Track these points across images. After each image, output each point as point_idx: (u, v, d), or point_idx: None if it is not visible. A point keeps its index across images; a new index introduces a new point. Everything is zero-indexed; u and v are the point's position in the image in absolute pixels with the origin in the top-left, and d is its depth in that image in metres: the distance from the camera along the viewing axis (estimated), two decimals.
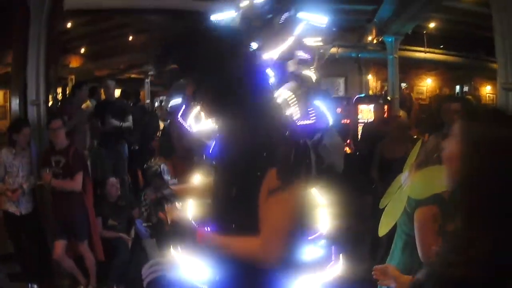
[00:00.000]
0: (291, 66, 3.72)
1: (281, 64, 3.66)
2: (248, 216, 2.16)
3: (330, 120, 3.91)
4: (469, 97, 13.20)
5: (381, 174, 5.96)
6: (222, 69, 2.09)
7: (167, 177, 6.15)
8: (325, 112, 3.82)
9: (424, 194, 3.09)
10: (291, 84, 3.59)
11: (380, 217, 3.51)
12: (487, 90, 17.61)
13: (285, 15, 3.70)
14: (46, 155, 5.89)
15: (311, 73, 3.84)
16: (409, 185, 3.26)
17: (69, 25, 12.46)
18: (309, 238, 3.71)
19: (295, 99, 3.51)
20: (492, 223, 1.57)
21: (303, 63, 3.77)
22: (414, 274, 3.08)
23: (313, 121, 3.64)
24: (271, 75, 3.49)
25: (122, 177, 7.48)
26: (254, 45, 3.41)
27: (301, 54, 3.74)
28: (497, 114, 1.89)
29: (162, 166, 6.19)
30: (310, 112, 3.62)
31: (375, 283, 3.33)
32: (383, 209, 3.51)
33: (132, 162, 8.50)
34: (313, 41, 3.82)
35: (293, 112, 3.52)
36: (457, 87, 18.49)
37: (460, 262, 1.57)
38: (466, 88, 18.28)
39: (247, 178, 2.13)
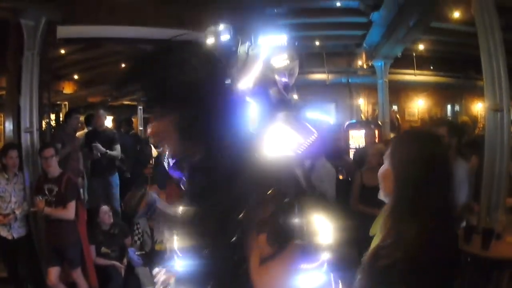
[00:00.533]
0: (276, 93, 3.80)
1: (261, 90, 3.68)
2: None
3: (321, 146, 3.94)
4: (465, 118, 13.29)
5: (363, 202, 5.74)
6: (196, 100, 1.77)
7: (156, 204, 6.14)
8: (319, 137, 3.87)
9: None
10: (282, 115, 3.68)
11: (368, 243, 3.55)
12: (478, 108, 17.62)
13: (247, 45, 3.80)
14: (39, 183, 5.90)
15: (295, 96, 3.94)
16: None
17: (62, 51, 12.49)
18: (311, 265, 3.73)
19: (290, 129, 3.62)
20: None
21: (286, 87, 3.86)
22: None
23: (309, 147, 3.69)
24: (254, 104, 3.46)
25: (114, 205, 7.42)
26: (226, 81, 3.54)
27: (278, 78, 3.84)
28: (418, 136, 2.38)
29: (152, 194, 6.18)
30: (305, 138, 3.69)
31: None
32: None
33: (125, 190, 8.41)
34: (280, 61, 3.82)
35: (291, 144, 3.62)
36: (449, 107, 18.62)
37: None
38: (457, 107, 18.40)
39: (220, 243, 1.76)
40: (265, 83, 3.72)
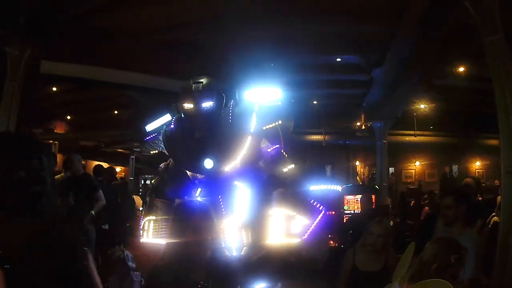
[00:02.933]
0: (266, 168, 3.29)
1: (250, 169, 3.22)
2: None
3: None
4: (468, 179, 13.01)
5: None
6: None
7: (131, 264, 5.74)
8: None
9: None
10: (278, 194, 3.20)
11: None
12: (476, 166, 17.64)
13: (231, 106, 3.22)
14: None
15: (290, 166, 3.39)
16: None
17: (54, 89, 12.44)
18: None
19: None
20: None
21: (276, 158, 3.32)
22: None
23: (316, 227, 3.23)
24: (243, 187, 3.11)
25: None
26: (208, 163, 3.03)
27: (267, 146, 3.28)
28: None
29: (126, 252, 5.79)
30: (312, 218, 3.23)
31: None
32: None
33: (102, 243, 7.82)
34: (274, 124, 3.25)
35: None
36: (450, 168, 18.28)
37: None
38: (455, 168, 18.18)
39: None
40: (253, 159, 3.20)
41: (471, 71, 9.26)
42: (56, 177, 7.60)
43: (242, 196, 3.08)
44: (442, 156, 17.56)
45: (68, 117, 17.60)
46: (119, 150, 20.12)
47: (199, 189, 3.15)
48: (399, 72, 8.67)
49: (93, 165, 9.39)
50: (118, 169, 18.13)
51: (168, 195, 3.26)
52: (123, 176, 19.27)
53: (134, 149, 18.43)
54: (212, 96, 3.07)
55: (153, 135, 3.39)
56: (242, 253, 3.01)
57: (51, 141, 15.43)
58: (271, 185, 3.20)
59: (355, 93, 11.49)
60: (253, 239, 3.06)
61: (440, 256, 2.86)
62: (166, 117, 3.33)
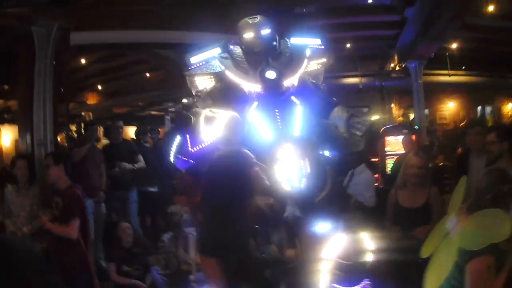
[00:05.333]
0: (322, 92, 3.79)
1: (305, 89, 3.63)
2: None
3: None
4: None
5: (396, 226, 4.87)
6: None
7: (189, 227, 6.01)
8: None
9: (480, 244, 2.59)
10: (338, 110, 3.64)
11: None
12: (508, 108, 17.16)
13: (287, 41, 3.73)
14: (49, 195, 5.52)
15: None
16: (460, 233, 2.75)
17: (83, 61, 12.42)
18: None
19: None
20: None
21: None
22: None
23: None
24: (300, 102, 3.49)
25: (131, 222, 6.94)
26: (271, 74, 3.41)
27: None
28: None
29: (183, 211, 6.09)
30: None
31: None
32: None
33: (148, 205, 8.06)
34: (317, 64, 3.84)
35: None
36: (479, 109, 18.06)
37: None
38: (488, 109, 17.85)
39: None
40: (305, 83, 3.67)
41: (503, 10, 9.16)
42: (98, 145, 7.84)
43: (299, 111, 3.43)
44: (474, 98, 17.28)
45: (100, 87, 17.51)
46: (153, 112, 20.45)
47: (256, 103, 3.42)
48: (431, 10, 8.56)
49: (130, 130, 9.55)
50: None
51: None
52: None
53: (169, 110, 18.64)
54: (269, 24, 3.52)
55: (200, 64, 3.66)
56: (302, 185, 3.21)
57: (84, 113, 15.81)
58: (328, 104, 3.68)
59: (388, 34, 11.35)
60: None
61: (494, 186, 2.83)
62: (216, 50, 3.62)
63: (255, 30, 3.50)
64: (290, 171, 3.27)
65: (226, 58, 3.58)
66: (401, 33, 10.51)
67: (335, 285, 3.67)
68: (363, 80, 13.13)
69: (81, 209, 5.34)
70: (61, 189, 5.28)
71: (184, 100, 4.29)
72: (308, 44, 3.78)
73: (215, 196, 2.89)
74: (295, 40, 3.76)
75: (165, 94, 16.54)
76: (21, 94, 7.05)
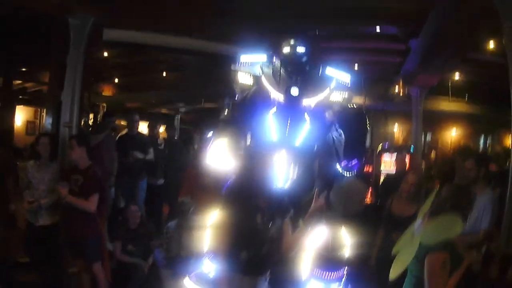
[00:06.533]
0: (329, 115, 4.23)
1: (319, 112, 4.23)
2: None
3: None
4: (498, 147, 13.17)
5: (386, 231, 5.56)
6: None
7: (195, 212, 6.22)
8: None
9: (435, 240, 3.19)
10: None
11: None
12: (510, 142, 17.54)
13: (320, 69, 4.31)
14: (68, 172, 5.91)
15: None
16: (422, 232, 3.36)
17: (105, 54, 12.81)
18: (333, 276, 4.08)
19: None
20: None
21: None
22: None
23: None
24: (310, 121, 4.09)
25: (140, 207, 7.37)
26: (294, 91, 4.06)
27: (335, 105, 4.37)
28: None
29: (192, 202, 6.39)
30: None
31: None
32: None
33: (153, 196, 8.54)
34: (339, 96, 4.38)
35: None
36: (482, 138, 18.58)
37: None
38: (489, 140, 18.32)
39: None
40: (322, 107, 4.27)
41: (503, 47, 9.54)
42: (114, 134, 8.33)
43: (305, 127, 4.06)
44: (477, 128, 17.76)
45: (116, 80, 18.08)
46: (164, 111, 20.82)
47: (275, 108, 4.12)
48: (432, 43, 8.96)
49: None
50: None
51: (245, 114, 4.31)
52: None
53: (180, 110, 19.11)
54: (305, 45, 4.18)
55: (246, 64, 4.35)
56: (286, 186, 3.86)
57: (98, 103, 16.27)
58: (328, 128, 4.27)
59: (393, 61, 11.83)
60: (301, 175, 3.91)
61: (454, 198, 3.43)
62: (262, 57, 4.32)
63: (292, 47, 4.16)
64: (279, 173, 3.99)
65: (267, 66, 4.27)
66: (405, 61, 10.97)
67: (316, 272, 4.28)
68: (367, 101, 13.61)
69: (100, 186, 5.82)
70: (82, 168, 5.71)
71: None
72: (336, 77, 4.36)
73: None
74: (327, 70, 4.35)
75: (179, 95, 17.13)
76: (52, 78, 7.54)
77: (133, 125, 8.32)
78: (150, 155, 8.13)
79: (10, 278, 6.07)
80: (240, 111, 4.37)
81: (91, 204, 5.64)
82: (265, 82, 4.24)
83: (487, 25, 7.68)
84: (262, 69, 4.29)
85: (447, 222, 3.23)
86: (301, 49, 4.17)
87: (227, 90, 4.75)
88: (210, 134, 4.56)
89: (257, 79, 4.28)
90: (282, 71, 4.22)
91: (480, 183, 5.01)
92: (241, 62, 4.35)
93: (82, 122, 10.68)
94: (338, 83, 4.35)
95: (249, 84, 4.37)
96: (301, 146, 4.13)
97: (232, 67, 4.44)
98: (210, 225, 3.83)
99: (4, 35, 8.45)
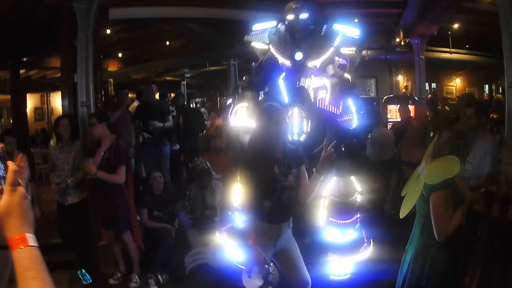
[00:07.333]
0: (330, 70, 4.42)
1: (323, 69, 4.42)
2: None
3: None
4: (499, 96, 13.31)
5: (399, 176, 5.94)
6: None
7: (213, 173, 6.70)
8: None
9: (437, 180, 3.54)
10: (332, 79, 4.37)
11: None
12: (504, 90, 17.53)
13: (324, 27, 4.48)
14: (91, 147, 6.10)
15: (348, 76, 4.54)
16: (425, 173, 3.72)
17: (108, 31, 12.84)
18: (347, 221, 4.37)
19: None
20: None
21: (341, 67, 4.46)
22: (430, 253, 3.59)
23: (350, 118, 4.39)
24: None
25: (165, 174, 7.71)
26: (298, 55, 4.25)
27: (339, 60, 4.45)
28: None
29: (207, 163, 6.72)
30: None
31: (399, 264, 3.97)
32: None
33: (172, 161, 8.82)
34: (348, 50, 4.55)
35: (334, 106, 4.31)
36: (486, 86, 18.76)
37: None
38: (494, 87, 18.53)
39: None
40: (326, 63, 4.45)
41: None
42: (129, 108, 8.63)
43: (314, 84, 4.24)
44: (480, 76, 17.98)
45: (120, 54, 18.24)
46: (169, 78, 21.05)
47: (284, 73, 4.40)
48: None
49: None
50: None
51: (261, 79, 4.55)
52: None
53: (185, 76, 19.31)
54: (308, 9, 4.32)
55: (258, 32, 4.56)
56: (301, 139, 4.18)
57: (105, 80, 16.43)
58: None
59: (392, 12, 11.91)
60: (313, 129, 4.21)
61: (452, 140, 3.76)
62: (272, 23, 4.51)
63: (295, 14, 4.30)
64: (294, 127, 4.31)
65: (273, 33, 4.47)
66: (403, 12, 11.10)
67: (331, 218, 4.63)
68: (370, 52, 13.74)
69: (126, 158, 6.09)
70: (106, 144, 5.92)
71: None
72: (343, 32, 4.49)
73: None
74: (334, 26, 4.48)
75: (183, 61, 17.29)
76: (64, 63, 7.72)
77: (151, 94, 8.62)
78: (169, 123, 8.44)
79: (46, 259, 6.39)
80: (256, 77, 4.60)
81: (120, 176, 5.90)
82: (272, 49, 4.48)
83: None
84: (268, 36, 4.49)
85: (446, 163, 3.58)
86: (304, 16, 4.33)
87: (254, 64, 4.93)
88: (230, 100, 4.83)
89: (268, 46, 4.49)
90: (287, 36, 4.40)
91: (481, 130, 5.33)
92: (252, 31, 4.56)
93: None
94: (345, 37, 4.47)
95: (264, 50, 4.60)
96: (311, 104, 4.39)
97: (246, 37, 4.67)
98: (233, 180, 4.12)
99: (8, 26, 8.53)
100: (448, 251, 3.61)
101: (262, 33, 4.55)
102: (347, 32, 4.49)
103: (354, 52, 4.56)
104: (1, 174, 1.57)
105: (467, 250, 3.93)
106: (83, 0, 6.95)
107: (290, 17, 4.33)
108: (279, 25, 4.46)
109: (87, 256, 6.34)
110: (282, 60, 4.43)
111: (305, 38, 4.38)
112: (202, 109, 10.66)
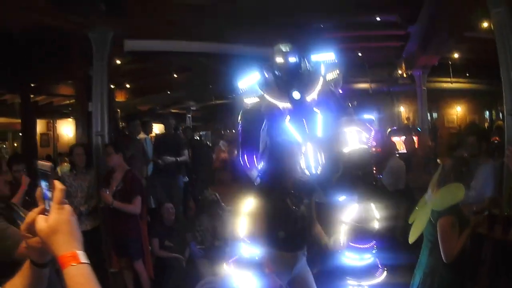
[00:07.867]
0: (335, 103, 4.61)
1: (324, 100, 4.43)
2: None
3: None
4: (500, 122, 13.57)
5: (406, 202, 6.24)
6: None
7: (222, 204, 6.80)
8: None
9: (444, 206, 3.75)
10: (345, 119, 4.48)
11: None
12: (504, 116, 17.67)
13: (309, 61, 4.49)
14: (107, 177, 6.13)
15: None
16: (432, 200, 3.93)
17: (118, 62, 12.83)
18: (366, 246, 4.52)
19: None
20: None
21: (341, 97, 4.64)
22: (437, 274, 3.77)
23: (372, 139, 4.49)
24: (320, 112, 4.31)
25: (177, 204, 7.79)
26: (296, 95, 4.28)
27: (334, 90, 4.63)
28: None
29: (217, 195, 6.84)
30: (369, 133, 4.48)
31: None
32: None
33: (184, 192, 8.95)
34: (332, 75, 4.53)
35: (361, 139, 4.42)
36: (487, 113, 18.95)
37: None
38: (494, 112, 18.63)
39: None
40: (325, 94, 4.46)
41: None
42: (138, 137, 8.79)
43: (320, 119, 4.43)
44: (481, 103, 18.14)
45: (128, 85, 18.37)
46: (174, 110, 20.84)
47: (288, 116, 4.36)
48: (430, 27, 9.48)
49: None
50: None
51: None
52: None
53: (191, 109, 19.50)
54: (295, 54, 4.31)
55: (246, 88, 4.48)
56: (318, 171, 4.32)
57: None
58: (339, 112, 4.43)
59: (395, 46, 12.27)
60: (328, 158, 4.37)
61: (456, 168, 3.99)
62: (255, 76, 4.42)
63: (285, 58, 4.31)
64: (310, 162, 4.47)
65: (263, 84, 4.41)
66: (406, 45, 11.45)
67: (351, 243, 4.79)
68: (373, 85, 14.02)
69: (141, 189, 6.18)
70: (121, 173, 5.99)
71: None
72: (323, 60, 4.51)
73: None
74: (313, 57, 4.48)
75: (189, 94, 17.58)
76: (77, 91, 7.96)
77: (169, 127, 8.79)
78: (184, 157, 8.48)
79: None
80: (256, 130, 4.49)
81: (136, 207, 5.97)
82: (268, 97, 4.59)
83: (479, 5, 7.98)
84: (259, 87, 4.46)
85: (452, 189, 3.80)
86: (293, 60, 4.33)
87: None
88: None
89: (261, 97, 4.45)
90: (279, 81, 4.40)
91: (482, 156, 5.54)
92: (241, 89, 4.52)
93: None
94: (327, 64, 4.48)
95: (257, 103, 4.52)
96: (322, 136, 4.55)
97: (234, 97, 4.72)
98: (245, 212, 4.26)
99: (20, 51, 8.70)
100: (454, 272, 3.82)
101: (251, 88, 4.50)
102: (327, 59, 4.55)
103: (337, 75, 4.55)
104: (47, 194, 1.61)
105: (472, 271, 4.12)
106: (99, 30, 7.11)
107: (280, 60, 4.35)
108: (265, 73, 4.43)
109: (99, 282, 6.38)
110: (282, 104, 4.53)
111: (296, 77, 4.41)
112: (221, 142, 10.78)
